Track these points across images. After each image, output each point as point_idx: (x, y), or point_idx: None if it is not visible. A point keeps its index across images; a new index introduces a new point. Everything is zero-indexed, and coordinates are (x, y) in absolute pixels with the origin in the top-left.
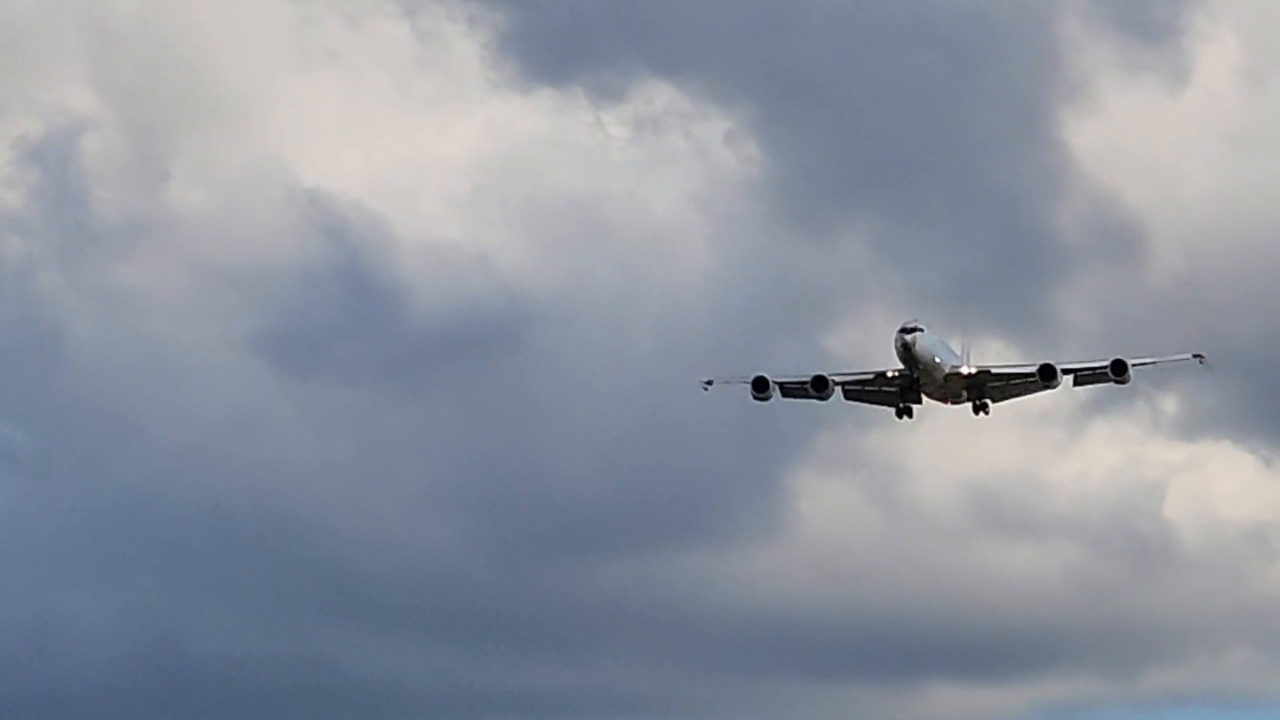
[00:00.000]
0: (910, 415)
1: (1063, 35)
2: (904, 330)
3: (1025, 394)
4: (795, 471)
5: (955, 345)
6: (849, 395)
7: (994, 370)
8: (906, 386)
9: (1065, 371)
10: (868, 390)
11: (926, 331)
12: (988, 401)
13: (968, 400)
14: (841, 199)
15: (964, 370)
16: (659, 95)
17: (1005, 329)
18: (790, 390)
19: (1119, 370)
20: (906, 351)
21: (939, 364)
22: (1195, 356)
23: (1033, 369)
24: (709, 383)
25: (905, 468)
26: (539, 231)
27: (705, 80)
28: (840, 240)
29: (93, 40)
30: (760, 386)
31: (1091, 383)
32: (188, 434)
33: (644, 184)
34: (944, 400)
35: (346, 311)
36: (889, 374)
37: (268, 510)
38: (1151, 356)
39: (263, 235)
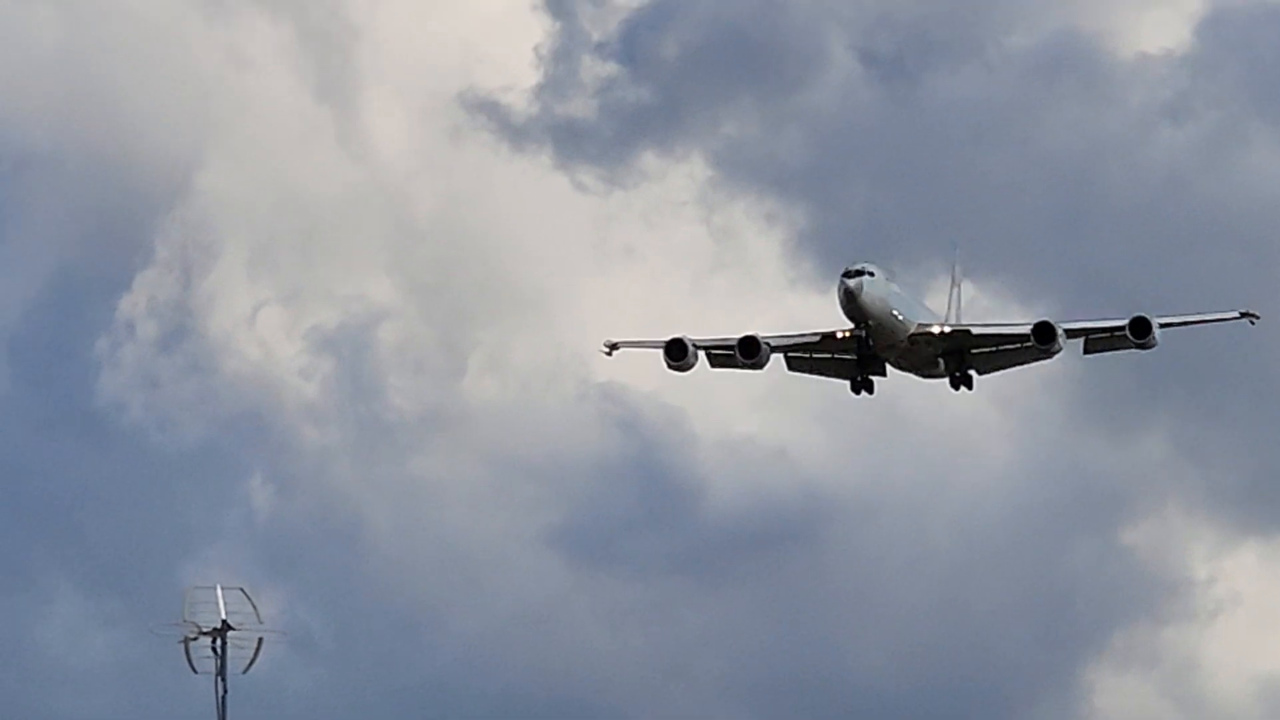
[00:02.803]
0: (870, 390)
1: None
2: (847, 274)
3: (1018, 363)
4: (1091, 666)
5: (940, 299)
6: (793, 364)
7: (974, 330)
8: (863, 353)
9: (1071, 334)
10: (816, 359)
11: (880, 276)
12: (971, 373)
13: (946, 373)
14: (1142, 397)
15: (934, 329)
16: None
17: None
18: (718, 358)
19: (1140, 331)
20: (850, 302)
21: (899, 320)
22: (1244, 315)
23: (1025, 328)
24: (613, 347)
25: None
26: (836, 426)
27: (1004, 278)
28: (1140, 438)
29: (392, 232)
30: (676, 352)
31: (1106, 348)
32: (483, 626)
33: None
34: (914, 371)
35: (641, 505)
36: (839, 335)
37: (563, 702)
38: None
39: (558, 428)
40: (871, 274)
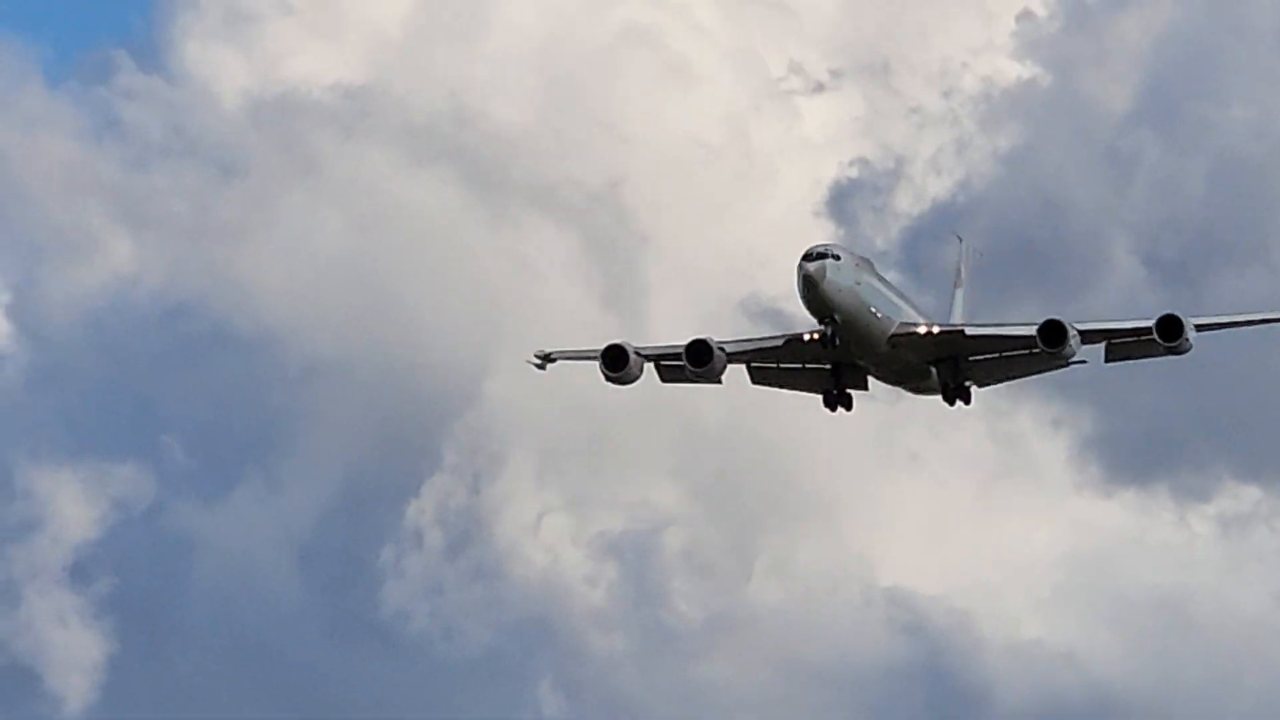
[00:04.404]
0: (848, 406)
1: None
2: (807, 256)
3: (1024, 372)
4: None
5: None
6: (757, 377)
7: (969, 331)
8: (838, 360)
9: (1088, 336)
10: (784, 370)
11: (847, 260)
12: (969, 384)
13: (939, 385)
14: None
15: (920, 329)
16: (1245, 496)
17: None
18: (668, 371)
19: (1169, 332)
20: (810, 290)
21: (875, 317)
22: None
23: (1030, 329)
24: (546, 358)
25: None
26: (1124, 629)
27: None
28: None
29: (677, 439)
30: (615, 361)
31: (1130, 354)
32: None
33: (1231, 581)
34: (901, 383)
35: (929, 710)
36: (806, 338)
37: None
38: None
39: (843, 633)
40: (837, 257)
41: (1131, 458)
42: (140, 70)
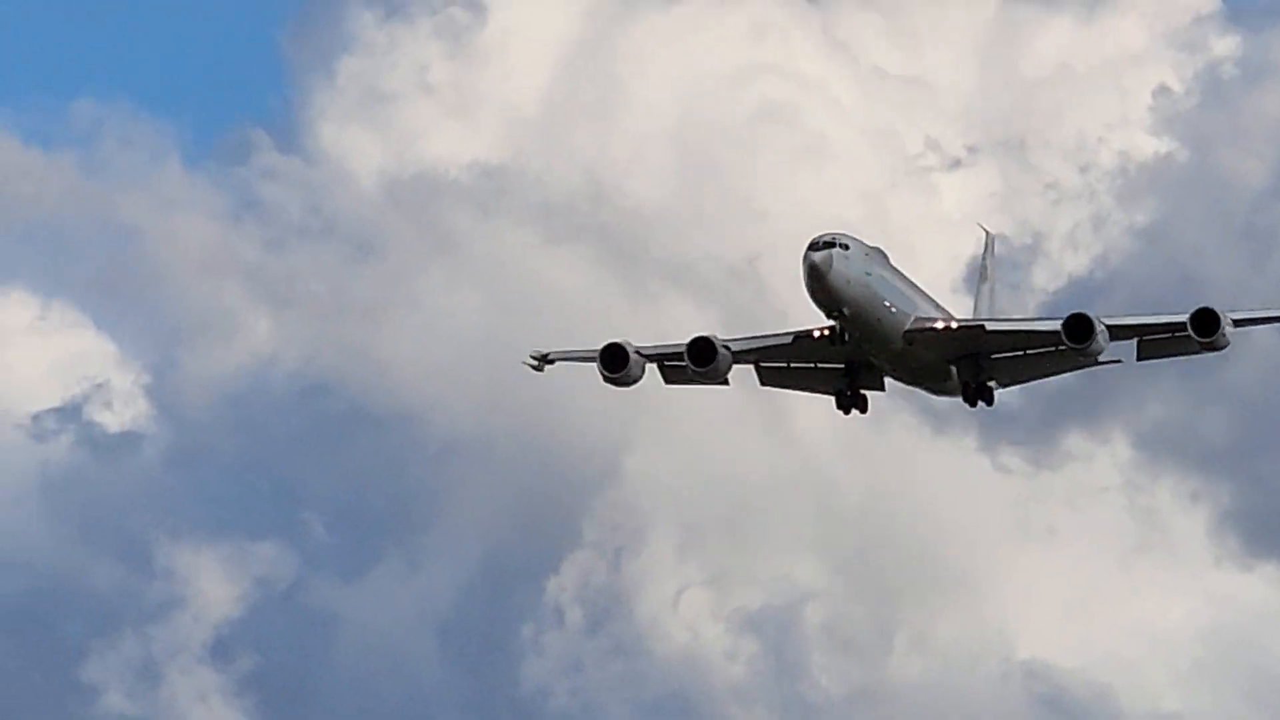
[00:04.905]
0: (862, 408)
1: None
2: (813, 245)
3: (1050, 371)
4: None
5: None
6: (767, 378)
7: (989, 326)
8: (851, 358)
9: (1117, 332)
10: (795, 370)
11: (857, 250)
12: (991, 384)
13: (961, 384)
14: None
15: (938, 324)
16: None
17: None
18: (672, 371)
19: (1205, 327)
20: (816, 281)
21: (890, 311)
22: None
23: (1055, 324)
24: (543, 359)
25: None
26: (1263, 703)
27: None
28: None
29: (816, 514)
30: (614, 362)
31: (1164, 351)
32: None
33: None
34: (919, 383)
35: None
36: (816, 334)
37: None
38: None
39: (983, 707)
40: (845, 246)
41: (1271, 531)
42: (278, 150)
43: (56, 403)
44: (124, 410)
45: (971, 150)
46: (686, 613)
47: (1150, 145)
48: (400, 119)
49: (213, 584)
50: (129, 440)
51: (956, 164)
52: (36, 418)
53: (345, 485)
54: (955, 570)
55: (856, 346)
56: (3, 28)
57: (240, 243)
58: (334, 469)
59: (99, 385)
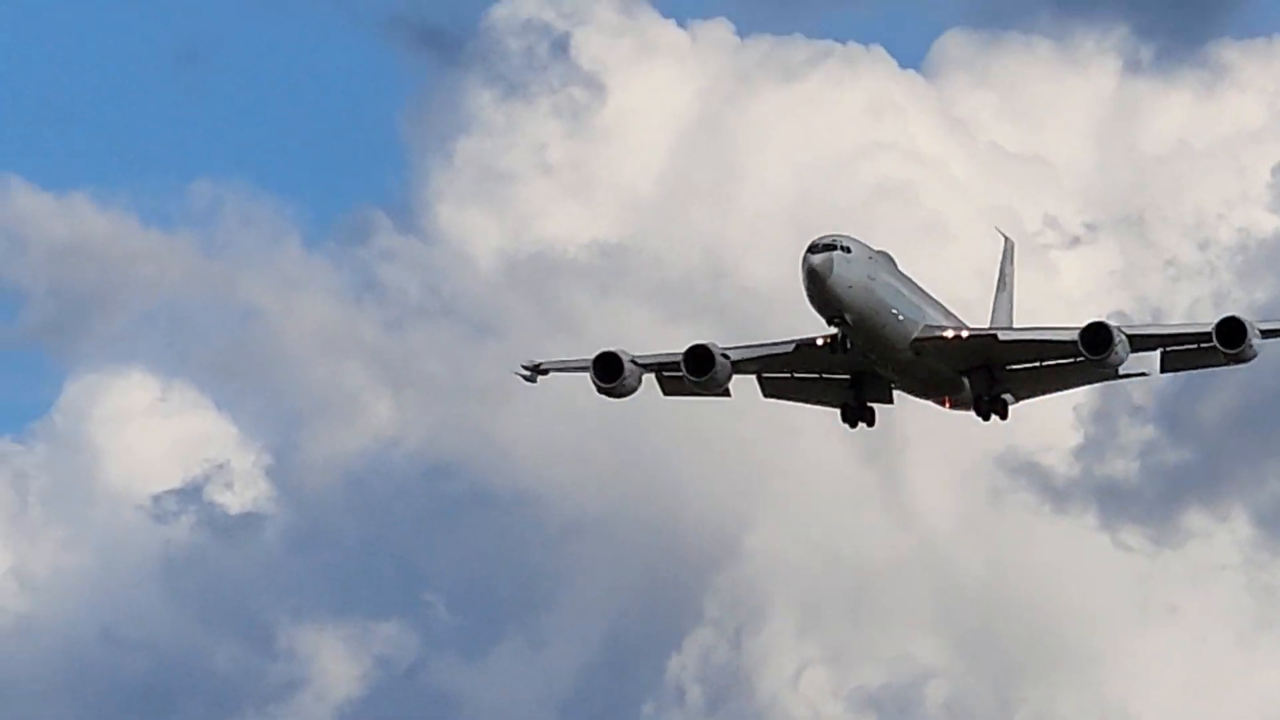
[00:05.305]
0: (870, 421)
1: None
2: (812, 248)
3: (1068, 384)
4: None
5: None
6: (768, 388)
7: (1002, 336)
8: (856, 368)
9: (1139, 342)
10: (799, 380)
11: (859, 253)
12: (1005, 396)
13: (973, 397)
14: None
15: (948, 333)
16: None
17: None
18: (669, 380)
19: (1231, 337)
20: (815, 285)
21: (897, 319)
22: None
23: (1072, 334)
24: (536, 369)
25: None
26: None
27: None
28: None
29: (937, 593)
30: (607, 372)
31: (1189, 364)
32: None
33: None
34: (929, 395)
35: None
36: (819, 342)
37: None
38: None
39: None
40: (847, 249)
41: None
42: (397, 230)
43: (177, 484)
44: (244, 491)
45: (1090, 227)
46: (807, 691)
47: (1270, 222)
48: (519, 199)
49: (335, 664)
50: (250, 521)
51: (1075, 241)
52: (157, 499)
53: (466, 565)
54: (1076, 648)
55: (861, 356)
56: (121, 109)
57: (360, 323)
58: (455, 549)
59: (219, 466)
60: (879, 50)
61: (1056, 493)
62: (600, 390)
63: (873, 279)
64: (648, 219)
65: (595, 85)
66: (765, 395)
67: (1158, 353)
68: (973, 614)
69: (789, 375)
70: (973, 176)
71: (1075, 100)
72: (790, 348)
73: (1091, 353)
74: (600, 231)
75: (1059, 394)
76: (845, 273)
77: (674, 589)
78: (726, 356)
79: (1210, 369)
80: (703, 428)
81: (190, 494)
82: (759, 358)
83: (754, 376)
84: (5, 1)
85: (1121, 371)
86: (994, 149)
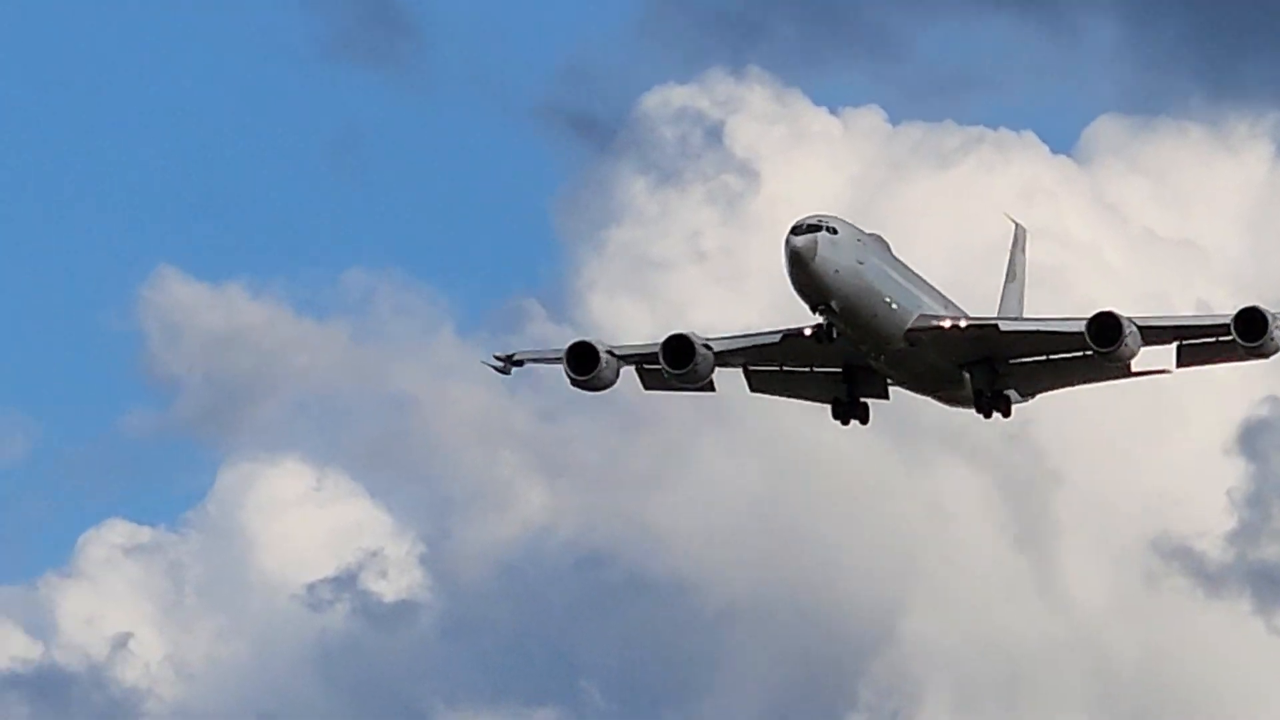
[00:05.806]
0: (862, 418)
1: None
2: (795, 229)
3: (1076, 379)
4: None
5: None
6: (755, 382)
7: (1003, 326)
8: (848, 361)
9: (1151, 335)
10: (788, 374)
11: (846, 235)
12: (1008, 393)
13: (974, 393)
14: None
15: (945, 323)
16: None
17: None
18: (648, 373)
19: (1251, 329)
20: (799, 268)
21: (889, 307)
22: None
23: (1079, 325)
24: (509, 360)
25: None
26: None
27: None
28: None
29: (1091, 678)
30: (581, 363)
31: (1206, 358)
32: None
33: None
34: (927, 390)
35: None
36: (807, 332)
37: None
38: None
39: None
40: (833, 230)
41: None
42: (550, 319)
43: (331, 572)
44: (399, 579)
45: None
46: None
47: None
48: (671, 287)
49: None
50: (404, 610)
51: None
52: (311, 588)
53: (621, 652)
54: None
55: (851, 347)
56: (275, 199)
57: (513, 412)
58: (609, 636)
59: (374, 555)
60: (1030, 136)
61: (1210, 577)
62: (575, 383)
63: (862, 263)
64: (800, 306)
65: (749, 173)
66: (752, 389)
67: (1173, 347)
68: (1127, 697)
69: (777, 368)
70: (1125, 262)
71: (1227, 185)
72: (776, 338)
73: (1100, 345)
74: (754, 319)
75: (1068, 389)
76: (831, 256)
77: (828, 674)
78: (708, 347)
79: (1228, 361)
80: (855, 512)
81: (345, 582)
82: (743, 349)
83: (740, 370)
84: (160, 93)
85: (1136, 368)
86: (1146, 234)
